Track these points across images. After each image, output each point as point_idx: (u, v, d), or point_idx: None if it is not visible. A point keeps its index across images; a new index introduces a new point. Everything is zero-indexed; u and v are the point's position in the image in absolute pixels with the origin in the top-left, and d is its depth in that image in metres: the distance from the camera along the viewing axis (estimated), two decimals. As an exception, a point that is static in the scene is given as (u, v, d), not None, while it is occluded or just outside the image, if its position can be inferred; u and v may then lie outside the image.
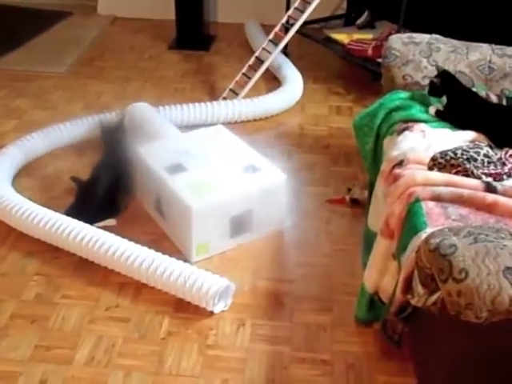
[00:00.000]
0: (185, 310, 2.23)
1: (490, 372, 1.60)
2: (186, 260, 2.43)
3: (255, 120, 3.50)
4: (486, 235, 1.59)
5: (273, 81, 3.85)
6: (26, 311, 2.24)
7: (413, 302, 1.81)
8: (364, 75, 3.93)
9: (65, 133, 3.18)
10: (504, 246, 1.56)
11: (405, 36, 2.77)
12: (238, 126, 3.40)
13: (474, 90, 2.48)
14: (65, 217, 2.50)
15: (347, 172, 3.08)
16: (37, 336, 2.14)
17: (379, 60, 3.48)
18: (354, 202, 2.83)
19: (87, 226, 2.45)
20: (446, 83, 2.44)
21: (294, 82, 3.69)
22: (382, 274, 2.12)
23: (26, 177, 2.97)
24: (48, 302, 2.28)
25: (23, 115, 3.52)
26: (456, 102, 2.40)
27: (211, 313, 2.22)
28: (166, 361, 2.05)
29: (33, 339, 2.12)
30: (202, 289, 2.18)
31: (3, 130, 3.36)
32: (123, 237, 2.42)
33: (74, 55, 4.27)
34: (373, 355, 2.09)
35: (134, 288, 2.32)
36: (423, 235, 1.80)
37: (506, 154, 2.17)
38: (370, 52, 3.72)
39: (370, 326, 2.20)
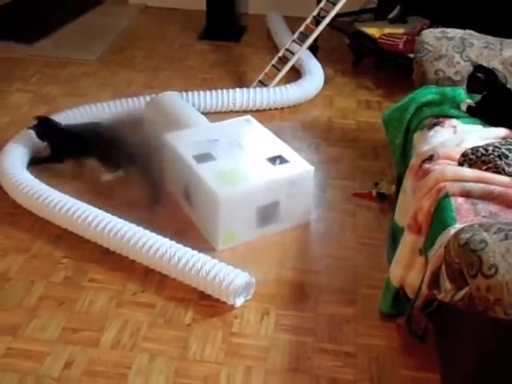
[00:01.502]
0: (209, 298, 2.24)
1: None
2: (211, 249, 2.45)
3: (276, 109, 3.52)
4: (517, 232, 1.58)
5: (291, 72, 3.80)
6: (55, 293, 2.28)
7: (440, 297, 1.81)
8: (394, 70, 3.91)
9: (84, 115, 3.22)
10: (535, 243, 1.55)
11: (438, 31, 2.75)
12: (266, 116, 3.41)
13: (508, 86, 2.46)
14: (88, 206, 2.51)
15: (374, 166, 3.07)
16: (64, 318, 2.17)
17: (410, 55, 3.47)
18: (381, 197, 2.82)
19: (111, 216, 2.46)
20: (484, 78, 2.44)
21: (315, 74, 3.71)
22: (407, 269, 2.12)
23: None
24: (76, 285, 2.31)
25: (53, 101, 3.57)
26: (490, 98, 2.38)
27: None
28: (191, 347, 2.08)
29: (61, 321, 2.16)
30: (223, 284, 2.18)
31: (34, 114, 3.39)
32: (151, 224, 2.45)
33: (104, 43, 4.31)
34: (396, 349, 2.09)
35: (160, 274, 2.34)
36: (452, 231, 1.80)
37: (538, 152, 2.15)
38: (401, 46, 3.70)
39: (394, 320, 2.19)
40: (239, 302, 2.23)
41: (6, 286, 2.30)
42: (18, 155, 2.85)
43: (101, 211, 2.49)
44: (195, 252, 2.31)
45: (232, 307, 2.21)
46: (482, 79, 2.43)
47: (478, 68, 2.50)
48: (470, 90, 2.44)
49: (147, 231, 2.39)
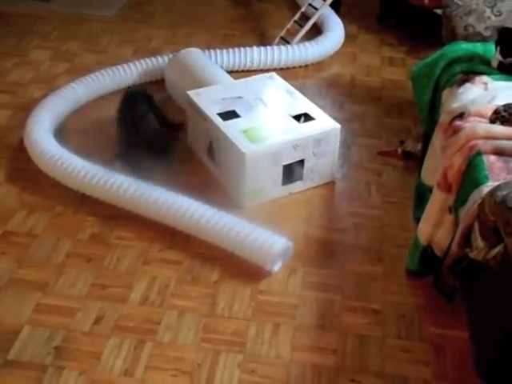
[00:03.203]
0: (235, 255, 2.24)
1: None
2: (238, 206, 2.44)
3: (300, 67, 3.47)
4: (554, 189, 1.55)
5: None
6: (82, 250, 2.29)
7: (472, 255, 1.80)
8: (417, 27, 3.83)
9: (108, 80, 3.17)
10: None
11: (468, -16, 2.68)
12: (290, 73, 3.37)
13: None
14: (108, 171, 2.47)
15: (399, 124, 3.03)
16: (92, 274, 2.19)
17: (436, 10, 3.40)
18: (407, 155, 2.79)
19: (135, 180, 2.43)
20: (507, 39, 2.38)
21: (335, 31, 3.64)
22: (436, 227, 2.10)
23: (78, 119, 3.00)
24: (103, 243, 2.32)
25: (74, 58, 3.54)
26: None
27: (263, 259, 2.24)
28: (219, 303, 2.09)
29: (89, 277, 2.17)
30: (262, 249, 2.17)
31: (55, 72, 3.38)
32: (175, 182, 2.45)
33: (122, -1, 4.25)
34: (424, 307, 2.09)
35: (187, 232, 2.35)
36: (485, 189, 1.78)
37: None
38: (426, 1, 3.61)
39: (421, 278, 2.19)
40: (277, 267, 2.22)
41: (33, 242, 2.32)
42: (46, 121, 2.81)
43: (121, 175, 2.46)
44: (232, 216, 2.28)
45: (258, 265, 2.22)
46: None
47: (503, 32, 2.43)
48: (504, 56, 2.36)
49: (179, 195, 2.36)
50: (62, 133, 2.85)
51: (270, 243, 2.18)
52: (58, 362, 1.88)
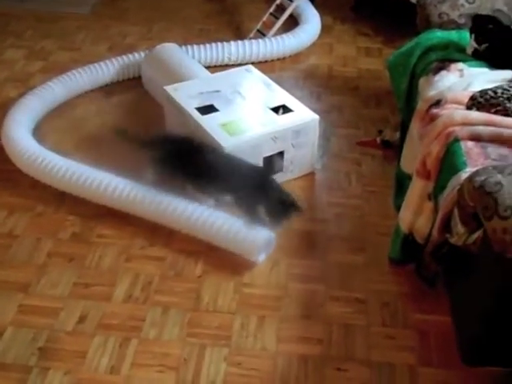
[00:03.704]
0: (219, 249, 2.24)
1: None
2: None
3: (279, 59, 3.47)
4: (532, 173, 1.57)
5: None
6: (64, 250, 2.27)
7: (452, 240, 1.81)
8: (392, 17, 3.84)
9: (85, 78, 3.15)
10: (550, 184, 1.54)
11: (441, -27, 2.69)
12: (267, 66, 3.37)
13: (512, 28, 2.42)
14: (88, 168, 2.44)
15: (377, 114, 3.05)
16: (75, 274, 2.17)
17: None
18: (385, 144, 2.81)
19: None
20: (481, 26, 2.39)
21: (311, 23, 3.65)
22: (417, 215, 2.11)
23: (56, 118, 2.98)
24: (84, 241, 2.31)
25: (49, 56, 3.50)
26: (495, 41, 2.34)
27: (245, 252, 2.24)
28: (203, 298, 2.09)
29: (71, 277, 2.16)
30: (246, 240, 2.18)
31: (30, 70, 3.35)
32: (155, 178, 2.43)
33: (96, -4, 4.21)
34: (407, 294, 2.11)
35: (168, 228, 2.34)
36: (463, 175, 1.79)
37: (546, 93, 2.13)
38: (400, -10, 3.63)
39: (403, 266, 2.21)
40: (260, 259, 2.22)
41: (14, 243, 2.30)
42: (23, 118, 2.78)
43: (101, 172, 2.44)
44: (214, 210, 2.28)
45: (241, 258, 2.22)
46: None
47: (476, 19, 2.44)
48: (479, 42, 2.38)
49: (159, 191, 2.34)
50: (40, 132, 2.83)
51: (253, 235, 2.18)
52: (42, 363, 1.87)
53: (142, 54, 3.24)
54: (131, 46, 3.58)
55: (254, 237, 2.18)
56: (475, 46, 2.38)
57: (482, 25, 2.40)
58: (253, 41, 3.43)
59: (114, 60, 3.24)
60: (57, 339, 1.94)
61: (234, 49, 3.37)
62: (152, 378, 1.84)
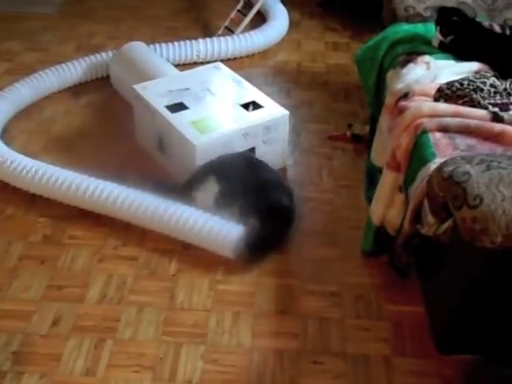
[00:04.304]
0: (192, 247, 2.24)
1: (503, 298, 1.63)
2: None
3: (247, 56, 3.47)
4: (499, 162, 1.60)
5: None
6: (35, 252, 2.25)
7: (423, 231, 1.83)
8: (360, 11, 3.86)
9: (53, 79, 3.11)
10: (516, 172, 1.57)
11: (405, -34, 2.71)
12: (235, 63, 3.36)
13: (477, 20, 2.45)
14: (59, 169, 2.42)
15: (347, 108, 3.07)
16: (47, 276, 2.15)
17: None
18: (356, 138, 2.83)
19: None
20: (446, 18, 2.42)
21: (279, 19, 3.65)
22: (388, 207, 2.13)
23: (24, 120, 2.94)
24: (55, 243, 2.28)
25: (15, 57, 3.45)
26: (460, 34, 2.37)
27: (219, 249, 2.24)
28: (178, 296, 2.08)
29: (44, 279, 2.14)
30: (220, 237, 2.17)
31: (-5, 72, 3.30)
32: (126, 178, 2.42)
33: (62, -5, 4.16)
34: (381, 286, 2.13)
35: (141, 228, 2.32)
36: (432, 166, 1.81)
37: (511, 84, 2.16)
38: (366, -15, 3.65)
39: (376, 258, 2.23)
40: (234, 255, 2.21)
41: (-16, 247, 2.27)
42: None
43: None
44: (187, 207, 2.26)
45: (215, 255, 2.21)
46: (450, 20, 2.40)
47: (441, 11, 2.47)
48: (444, 35, 2.40)
49: (132, 190, 2.33)
50: (7, 134, 2.79)
51: (226, 231, 2.18)
52: (16, 368, 1.85)
53: (110, 54, 3.22)
54: (99, 45, 3.55)
55: (227, 233, 2.18)
56: (441, 38, 2.40)
57: (446, 17, 2.42)
58: (221, 38, 3.43)
59: (81, 60, 3.21)
60: (31, 343, 1.92)
61: (202, 46, 3.36)
62: (128, 379, 1.83)
